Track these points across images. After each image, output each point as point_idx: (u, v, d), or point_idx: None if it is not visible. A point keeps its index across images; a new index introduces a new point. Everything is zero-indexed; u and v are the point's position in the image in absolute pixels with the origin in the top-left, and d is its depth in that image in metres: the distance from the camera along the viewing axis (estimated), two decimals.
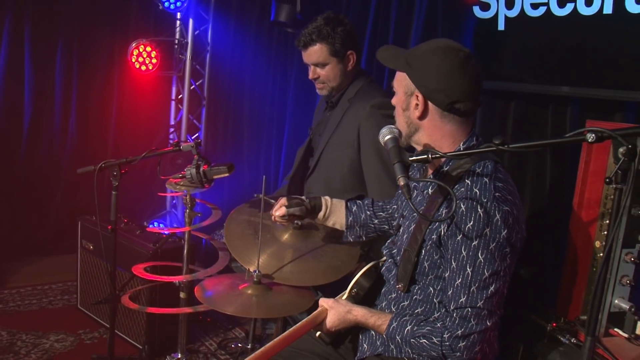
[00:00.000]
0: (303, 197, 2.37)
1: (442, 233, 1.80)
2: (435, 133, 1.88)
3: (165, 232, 3.75)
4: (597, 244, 2.21)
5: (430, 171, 1.99)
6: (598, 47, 2.41)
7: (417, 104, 1.86)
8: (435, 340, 1.78)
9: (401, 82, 1.91)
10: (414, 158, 1.74)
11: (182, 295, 2.87)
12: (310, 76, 2.87)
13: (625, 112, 2.49)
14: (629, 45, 2.29)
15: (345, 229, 2.38)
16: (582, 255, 2.32)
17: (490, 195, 1.74)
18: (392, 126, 1.95)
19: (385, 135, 1.91)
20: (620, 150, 1.43)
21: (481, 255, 1.72)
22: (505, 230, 1.73)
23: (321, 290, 2.40)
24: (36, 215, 5.08)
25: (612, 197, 2.10)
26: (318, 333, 2.07)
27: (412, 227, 1.94)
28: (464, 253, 1.74)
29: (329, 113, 2.95)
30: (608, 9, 2.30)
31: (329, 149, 2.85)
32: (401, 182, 1.70)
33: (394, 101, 1.98)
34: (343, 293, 2.13)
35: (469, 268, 1.73)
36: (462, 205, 1.74)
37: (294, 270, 2.36)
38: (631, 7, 2.22)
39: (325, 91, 2.88)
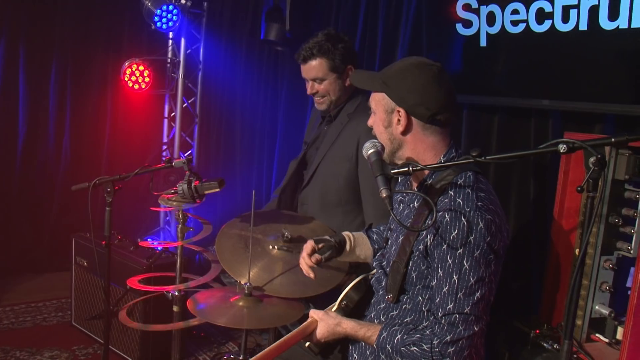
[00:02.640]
0: (326, 237, 2.30)
1: (429, 243, 1.85)
2: (418, 146, 1.95)
3: (159, 248, 3.79)
4: (577, 251, 2.27)
5: (415, 185, 2.05)
6: (576, 61, 2.49)
7: (399, 120, 1.93)
8: (425, 347, 1.82)
9: (379, 101, 1.98)
10: (396, 171, 1.81)
11: (175, 308, 2.91)
12: (309, 91, 2.89)
13: (604, 123, 2.56)
14: (604, 60, 2.37)
15: (372, 258, 2.37)
16: (563, 263, 2.38)
17: (473, 204, 1.80)
18: (375, 140, 2.01)
19: (368, 149, 1.98)
20: (591, 159, 1.50)
21: (466, 263, 1.78)
22: (489, 238, 1.79)
23: (311, 302, 2.45)
24: (30, 232, 5.12)
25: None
26: (307, 343, 2.10)
27: (400, 239, 1.99)
28: (450, 261, 1.80)
29: (326, 127, 2.98)
30: (584, 26, 2.38)
31: (326, 162, 2.87)
32: (383, 194, 1.77)
33: (371, 121, 2.06)
34: (333, 305, 2.15)
35: (455, 275, 1.79)
36: (446, 216, 1.80)
37: (284, 282, 2.41)
38: (604, 23, 2.30)
39: (325, 105, 2.90)
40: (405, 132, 1.94)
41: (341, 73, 2.84)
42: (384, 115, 1.98)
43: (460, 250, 1.78)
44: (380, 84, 1.96)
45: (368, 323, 2.03)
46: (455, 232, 1.78)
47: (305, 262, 2.22)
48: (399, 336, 1.88)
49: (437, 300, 1.84)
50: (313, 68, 2.82)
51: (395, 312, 1.99)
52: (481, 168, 1.95)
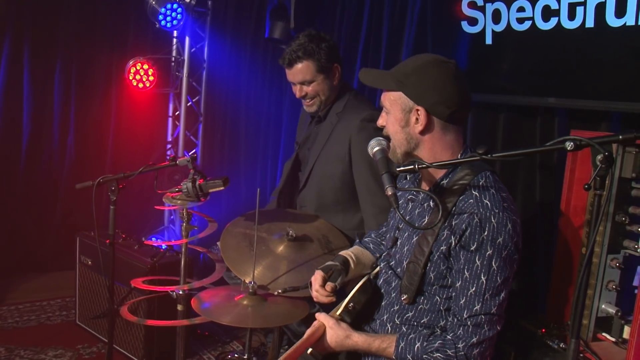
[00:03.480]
0: (329, 263, 2.24)
1: (453, 244, 1.82)
2: (436, 146, 1.91)
3: (163, 246, 3.79)
4: (584, 250, 2.25)
5: (425, 184, 2.01)
6: (582, 59, 2.48)
7: (417, 119, 1.89)
8: (449, 352, 1.80)
9: (395, 101, 1.92)
10: (401, 168, 1.79)
11: (179, 307, 2.90)
12: (298, 95, 2.86)
13: (610, 121, 2.55)
14: (610, 57, 2.36)
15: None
16: (570, 262, 2.37)
17: (500, 205, 1.79)
18: (381, 138, 1.99)
19: (373, 147, 1.96)
20: (598, 157, 1.48)
21: (494, 264, 1.77)
22: (515, 238, 1.80)
23: (314, 301, 2.43)
24: (35, 231, 5.12)
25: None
26: (310, 350, 1.99)
27: (414, 239, 1.96)
28: (478, 262, 1.78)
29: (316, 127, 2.97)
30: (590, 23, 2.37)
31: (320, 163, 2.86)
32: (389, 192, 1.76)
33: (382, 121, 2.00)
34: (338, 307, 2.08)
35: (484, 277, 1.78)
36: (475, 217, 1.78)
37: (289, 281, 2.40)
38: (611, 21, 2.29)
39: (315, 107, 2.87)
40: (424, 132, 1.90)
41: (328, 72, 2.81)
42: (400, 114, 1.92)
43: (490, 252, 1.77)
44: (395, 83, 1.91)
45: (380, 335, 1.97)
46: (485, 233, 1.77)
47: (321, 294, 2.14)
48: (418, 344, 1.84)
49: (461, 302, 1.81)
50: (300, 71, 2.79)
51: (410, 314, 1.95)
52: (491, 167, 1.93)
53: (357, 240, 2.45)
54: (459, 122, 1.92)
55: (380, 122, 2.02)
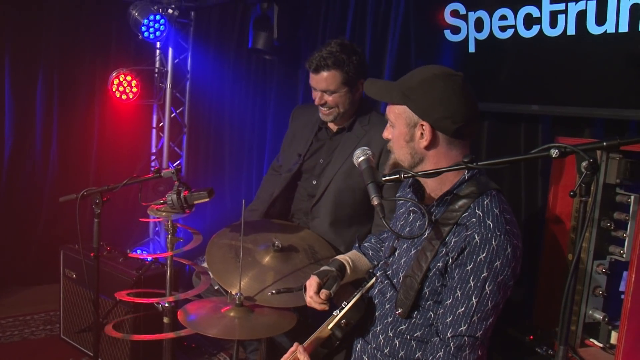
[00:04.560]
0: (325, 268, 2.21)
1: (450, 261, 1.79)
2: (442, 161, 1.87)
3: (148, 258, 3.76)
4: (570, 256, 2.27)
5: (430, 201, 1.96)
6: (564, 66, 2.50)
7: (422, 134, 1.85)
8: None
9: (400, 115, 1.88)
10: (387, 178, 1.77)
11: (165, 320, 2.87)
12: (317, 102, 2.79)
13: (593, 128, 2.58)
14: (592, 65, 2.38)
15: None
16: (556, 268, 2.38)
17: (503, 228, 1.75)
18: (366, 148, 1.99)
19: (359, 156, 1.95)
20: (583, 164, 1.49)
21: (488, 287, 1.74)
22: (514, 263, 1.76)
23: (302, 311, 2.42)
24: (18, 244, 5.04)
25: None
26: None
27: (412, 252, 1.92)
28: (472, 283, 1.75)
29: (332, 139, 2.91)
30: (571, 31, 2.39)
31: (341, 175, 2.79)
32: (375, 201, 1.75)
33: (387, 134, 1.96)
34: (330, 320, 2.04)
35: (475, 298, 1.74)
36: (476, 237, 1.75)
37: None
38: (592, 28, 2.31)
39: (331, 117, 2.81)
40: (429, 147, 1.86)
41: (352, 86, 2.75)
42: (405, 129, 1.88)
43: (485, 274, 1.73)
44: (400, 96, 1.87)
45: None
46: (483, 255, 1.73)
47: (315, 300, 2.12)
48: None
49: (447, 320, 1.78)
50: (325, 80, 2.72)
51: (404, 327, 1.92)
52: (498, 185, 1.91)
53: (356, 245, 2.41)
54: (465, 136, 1.87)
55: (386, 134, 1.98)
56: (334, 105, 2.77)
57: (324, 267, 2.22)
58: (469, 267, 1.75)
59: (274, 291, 2.33)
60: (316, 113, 2.91)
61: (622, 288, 2.19)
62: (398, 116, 1.89)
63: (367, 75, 2.77)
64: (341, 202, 2.80)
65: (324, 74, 2.71)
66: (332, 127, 2.93)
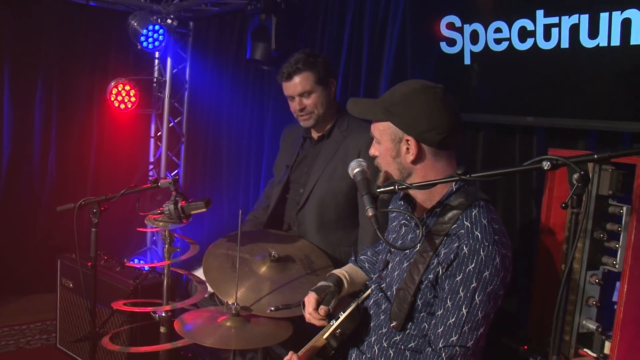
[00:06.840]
0: (323, 283, 2.22)
1: (440, 273, 1.81)
2: (429, 174, 1.89)
3: (145, 268, 3.76)
4: (564, 267, 2.28)
5: (420, 214, 1.98)
6: (558, 78, 2.53)
7: (407, 148, 1.87)
8: None
9: (385, 131, 1.91)
10: (381, 189, 1.80)
11: (162, 329, 2.88)
12: (296, 108, 2.88)
13: (587, 139, 2.60)
14: (586, 77, 2.41)
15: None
16: (550, 279, 2.39)
17: (491, 238, 1.77)
18: (361, 159, 2.01)
19: (354, 168, 1.97)
20: (574, 176, 1.51)
21: (478, 297, 1.75)
22: (502, 273, 1.77)
23: (297, 322, 2.42)
24: (15, 253, 5.05)
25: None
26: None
27: (404, 265, 1.94)
28: (462, 294, 1.76)
29: (314, 147, 2.99)
30: (565, 44, 2.42)
31: (324, 180, 2.87)
32: (369, 213, 1.76)
33: (374, 151, 1.98)
34: (326, 329, 2.06)
35: (465, 309, 1.75)
36: (464, 248, 1.77)
37: (272, 302, 2.39)
38: (585, 42, 2.34)
39: (312, 121, 2.89)
40: (415, 161, 1.88)
41: (326, 85, 2.88)
42: (391, 145, 1.90)
43: (474, 285, 1.75)
44: (383, 112, 1.89)
45: None
46: (472, 265, 1.75)
47: (314, 317, 2.13)
48: None
49: (439, 330, 1.79)
50: (300, 83, 2.84)
51: (398, 337, 1.93)
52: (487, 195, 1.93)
53: (353, 258, 2.42)
54: (450, 147, 1.89)
55: (372, 151, 2.00)
56: (313, 108, 2.87)
57: (322, 283, 2.22)
58: (458, 278, 1.77)
59: (272, 308, 2.34)
60: (301, 127, 3.01)
61: (615, 298, 2.21)
62: (383, 132, 1.92)
63: (336, 74, 2.95)
64: (325, 207, 2.87)
65: (297, 78, 2.85)
66: (314, 135, 3.01)
